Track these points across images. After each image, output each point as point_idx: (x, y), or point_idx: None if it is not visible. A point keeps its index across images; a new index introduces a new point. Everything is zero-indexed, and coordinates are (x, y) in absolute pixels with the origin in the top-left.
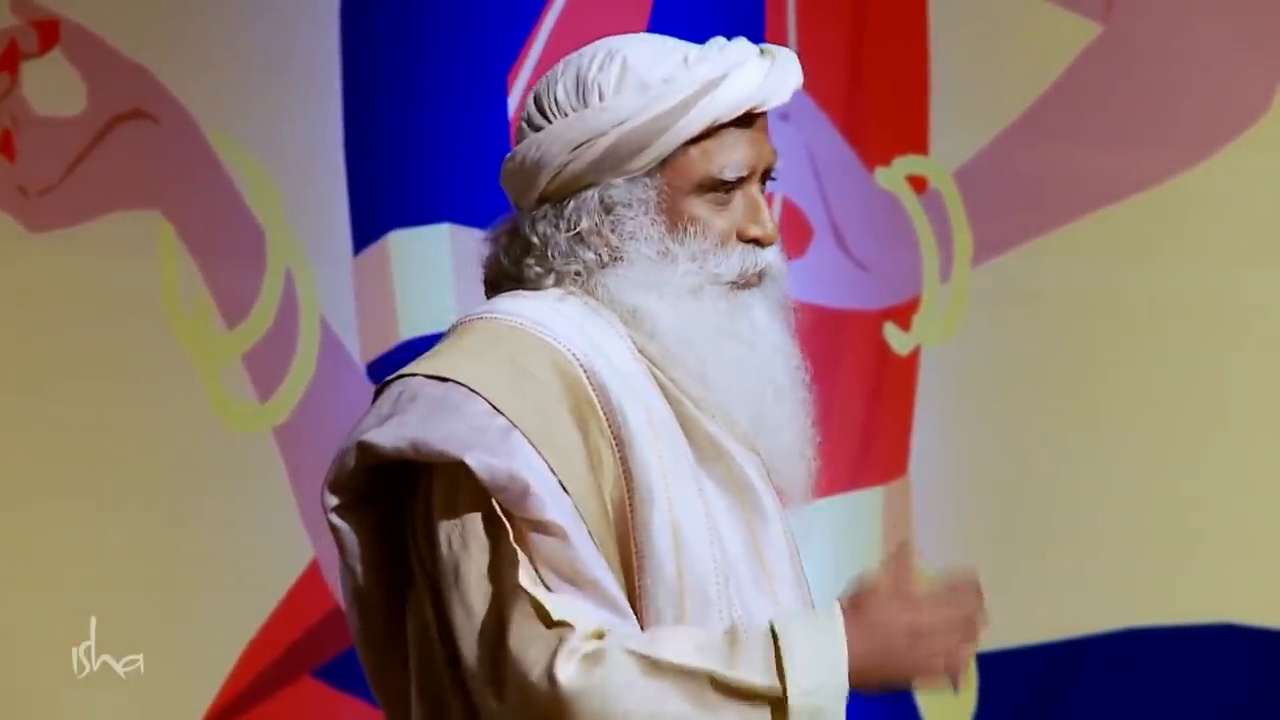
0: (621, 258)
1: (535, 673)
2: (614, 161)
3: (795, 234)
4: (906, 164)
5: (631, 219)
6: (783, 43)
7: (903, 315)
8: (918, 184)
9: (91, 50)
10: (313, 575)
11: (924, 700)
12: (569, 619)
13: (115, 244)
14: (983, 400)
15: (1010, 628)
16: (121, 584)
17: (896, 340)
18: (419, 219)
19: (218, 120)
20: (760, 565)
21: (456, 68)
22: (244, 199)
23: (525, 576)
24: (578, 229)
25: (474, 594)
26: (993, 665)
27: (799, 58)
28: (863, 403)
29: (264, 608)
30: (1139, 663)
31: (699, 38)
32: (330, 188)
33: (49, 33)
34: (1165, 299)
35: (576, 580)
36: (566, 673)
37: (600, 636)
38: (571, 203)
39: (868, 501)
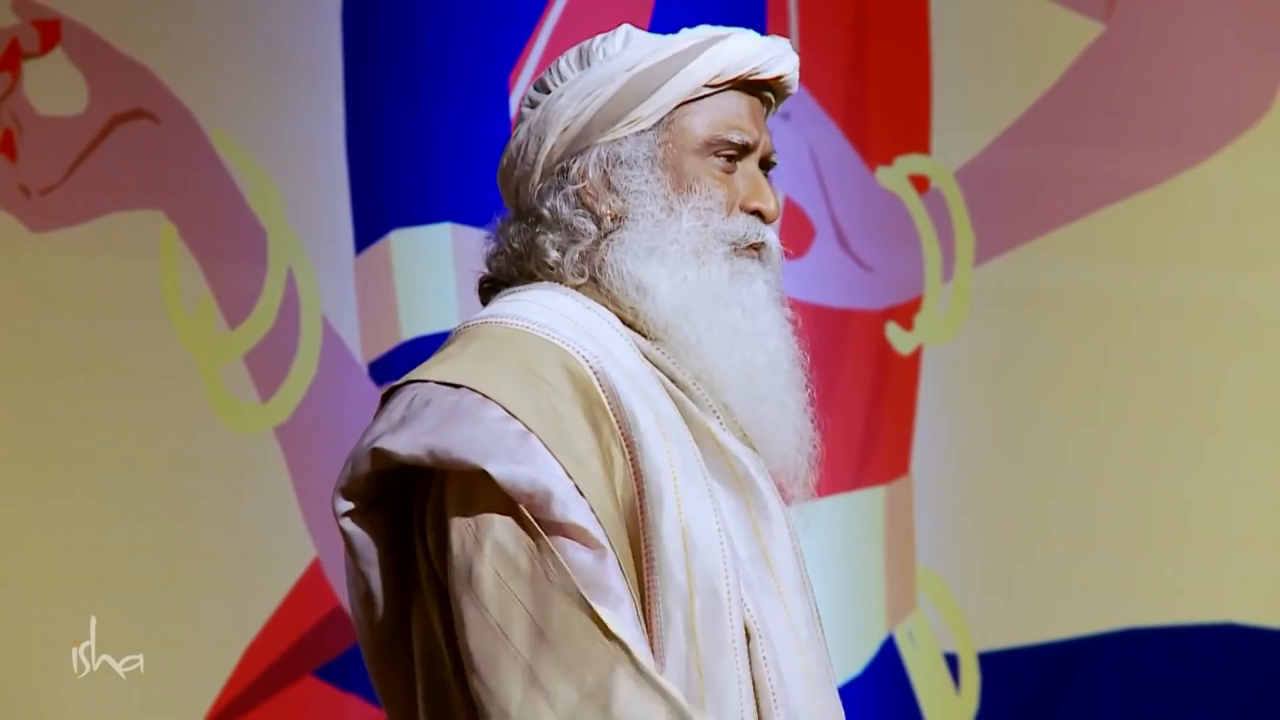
0: (625, 216)
1: (588, 692)
2: (623, 109)
3: (797, 233)
4: (908, 163)
5: (637, 174)
6: None
7: (905, 315)
8: (920, 183)
9: (93, 50)
10: (314, 575)
11: (925, 700)
12: (624, 637)
13: (117, 244)
14: (985, 400)
15: (1011, 628)
16: (121, 584)
17: (899, 340)
18: (420, 219)
19: (219, 120)
20: (767, 567)
21: (458, 67)
22: (245, 199)
23: (571, 584)
24: (584, 183)
25: (489, 594)
26: (993, 665)
27: (801, 57)
28: (865, 402)
29: (266, 607)
30: (1139, 663)
31: None
32: (332, 187)
33: (50, 32)
34: (1166, 299)
35: (592, 585)
36: (625, 697)
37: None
38: (577, 161)
39: (870, 501)
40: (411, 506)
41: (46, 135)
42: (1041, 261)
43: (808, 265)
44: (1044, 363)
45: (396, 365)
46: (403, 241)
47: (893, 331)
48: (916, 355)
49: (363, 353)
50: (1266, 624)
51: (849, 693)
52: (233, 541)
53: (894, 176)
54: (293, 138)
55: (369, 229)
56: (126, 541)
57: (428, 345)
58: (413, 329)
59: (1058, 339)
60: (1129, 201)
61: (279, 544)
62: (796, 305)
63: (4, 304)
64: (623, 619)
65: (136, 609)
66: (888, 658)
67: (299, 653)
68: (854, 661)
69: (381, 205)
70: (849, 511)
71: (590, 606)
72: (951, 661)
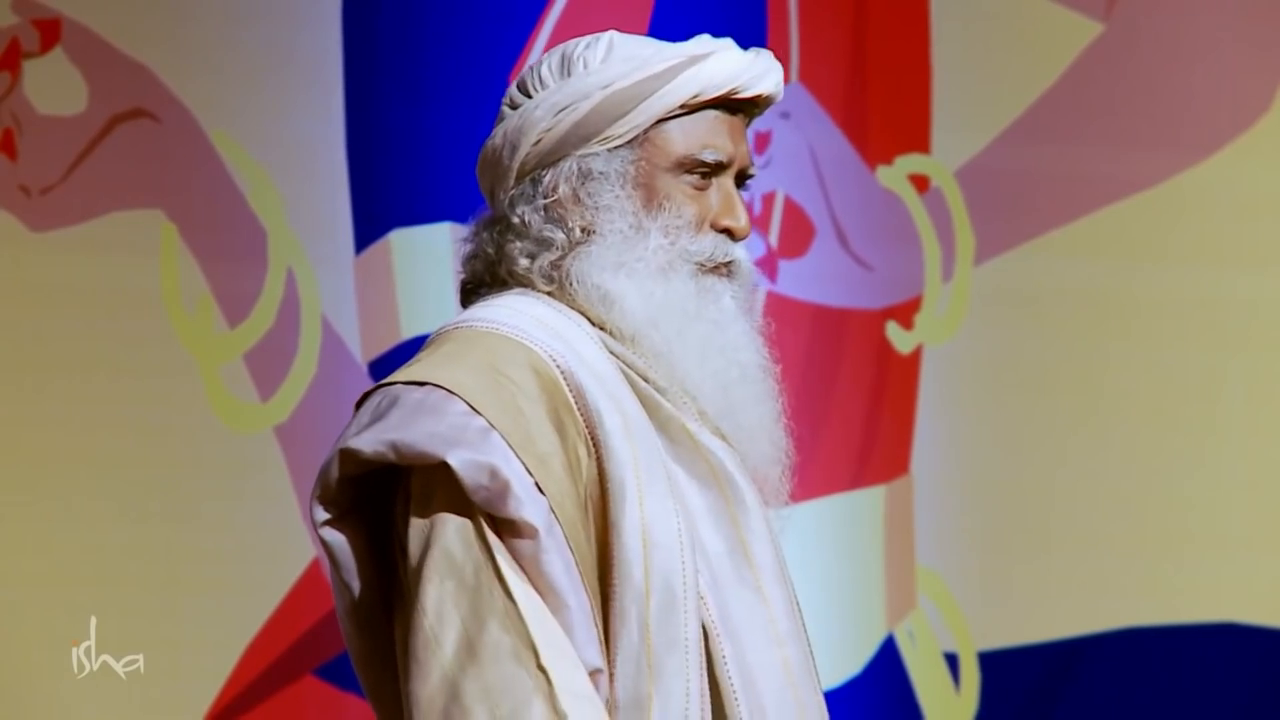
0: (594, 231)
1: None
2: (596, 127)
3: (797, 233)
4: (908, 163)
5: (608, 190)
6: (785, 42)
7: (905, 314)
8: (920, 183)
9: (93, 49)
10: (314, 574)
11: (925, 700)
12: (553, 669)
13: (117, 243)
14: (984, 399)
15: (1010, 628)
16: (121, 584)
17: (899, 339)
18: (420, 218)
19: (219, 119)
20: (746, 560)
21: (458, 67)
22: (245, 198)
23: (512, 607)
24: (554, 196)
25: (430, 600)
26: (993, 665)
27: (801, 57)
28: (865, 402)
29: (265, 607)
30: (1139, 662)
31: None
32: (332, 187)
33: (50, 32)
34: (1166, 298)
35: (537, 583)
36: None
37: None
38: (549, 173)
39: (870, 500)
40: (392, 513)
41: (46, 135)
42: (1041, 261)
43: (808, 265)
44: (1044, 363)
45: (396, 365)
46: (403, 241)
47: (893, 331)
48: (916, 355)
49: (363, 352)
50: (1266, 624)
51: (849, 692)
52: (233, 541)
53: (894, 176)
54: (293, 138)
55: (369, 229)
56: (126, 541)
57: None
58: (413, 329)
59: (1058, 339)
60: (1129, 201)
61: (279, 544)
62: (796, 305)
63: (4, 304)
64: (561, 628)
65: (136, 609)
66: (888, 657)
67: (299, 652)
68: (854, 661)
69: (381, 205)
70: (849, 511)
71: (528, 633)
72: (951, 661)
